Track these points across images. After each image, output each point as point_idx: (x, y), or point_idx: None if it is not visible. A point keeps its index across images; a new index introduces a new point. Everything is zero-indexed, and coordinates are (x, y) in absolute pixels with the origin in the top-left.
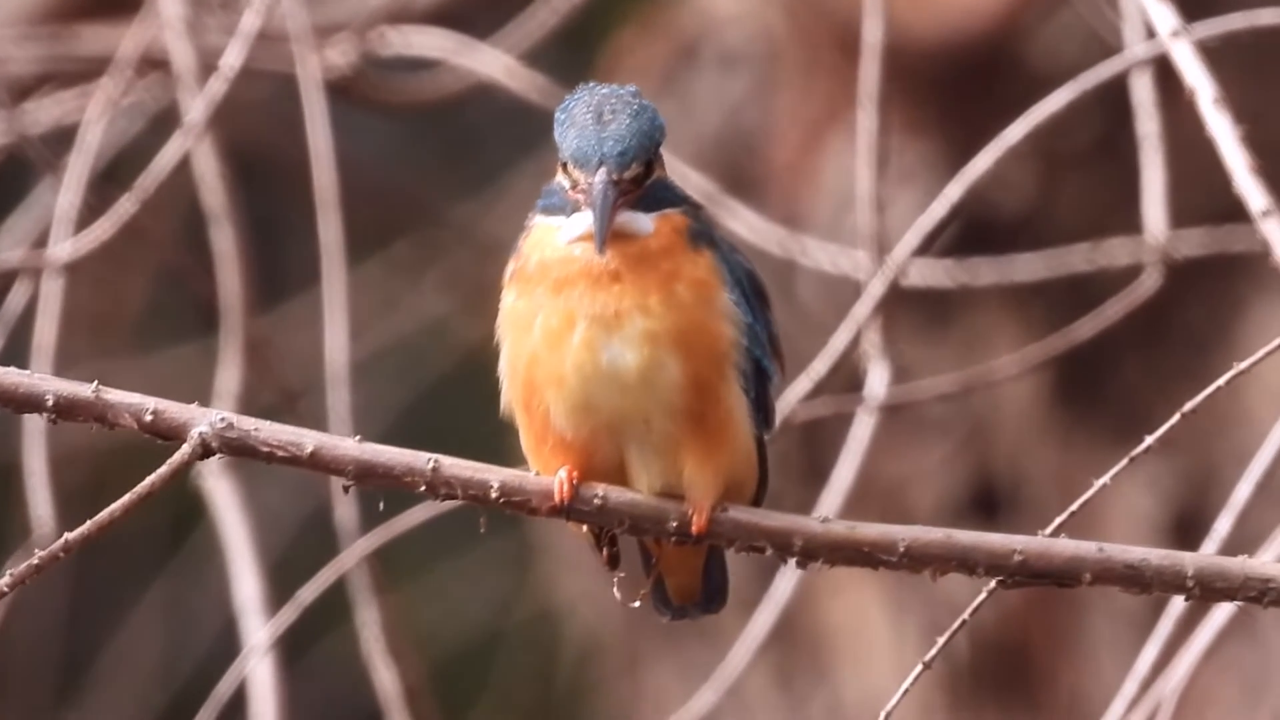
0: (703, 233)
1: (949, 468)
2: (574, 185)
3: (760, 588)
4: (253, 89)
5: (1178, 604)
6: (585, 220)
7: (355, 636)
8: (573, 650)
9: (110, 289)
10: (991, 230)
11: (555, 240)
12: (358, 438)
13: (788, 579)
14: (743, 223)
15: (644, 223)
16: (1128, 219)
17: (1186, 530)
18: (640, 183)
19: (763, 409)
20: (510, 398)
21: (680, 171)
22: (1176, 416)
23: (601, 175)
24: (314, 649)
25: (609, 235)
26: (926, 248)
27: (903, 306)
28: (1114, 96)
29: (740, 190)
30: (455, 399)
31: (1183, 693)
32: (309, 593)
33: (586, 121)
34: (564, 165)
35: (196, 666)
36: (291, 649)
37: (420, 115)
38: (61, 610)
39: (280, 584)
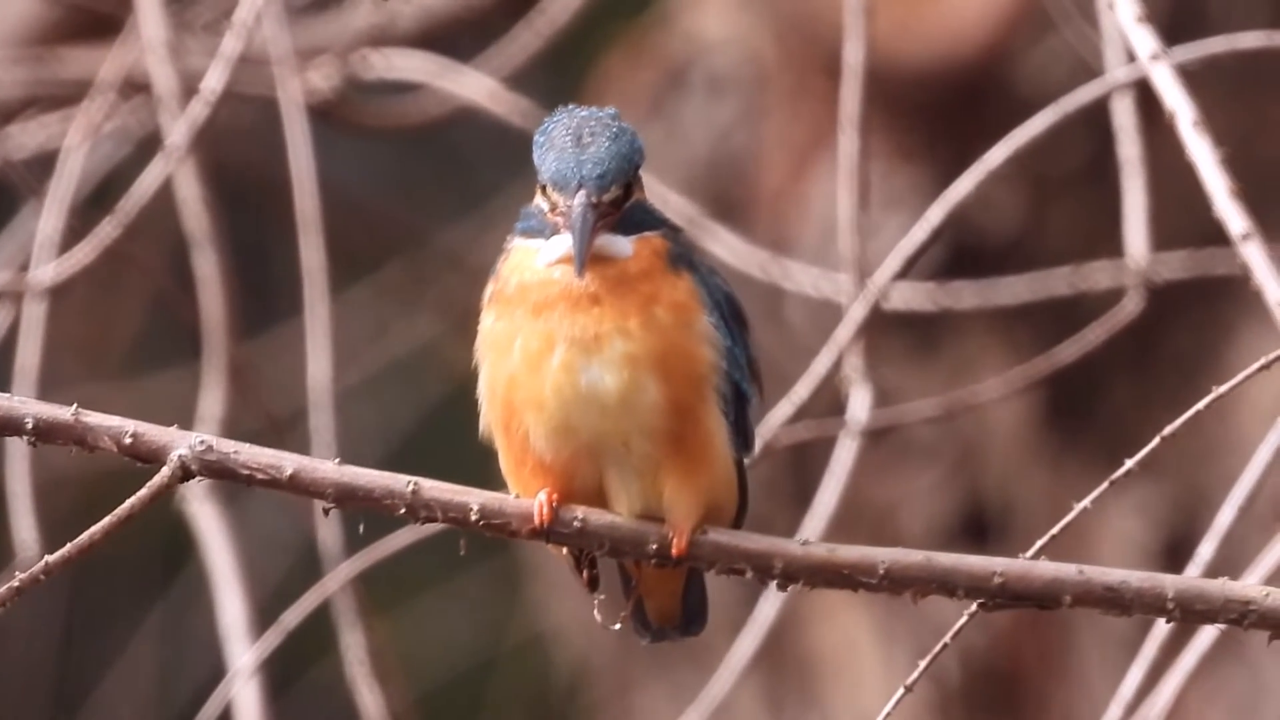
0: (682, 255)
1: (938, 493)
2: (553, 208)
3: (750, 611)
4: (237, 113)
5: (1163, 627)
6: (564, 243)
7: (343, 662)
8: (563, 674)
9: (97, 314)
10: (980, 255)
11: (534, 263)
12: (337, 460)
13: (772, 602)
14: (725, 246)
15: (623, 245)
16: (1116, 243)
17: (1176, 555)
18: (619, 205)
19: (742, 432)
20: (489, 419)
21: (667, 196)
22: (1155, 441)
23: (580, 198)
24: (302, 675)
25: (588, 258)
26: (907, 271)
27: (890, 331)
28: (1101, 121)
29: (728, 215)
30: (446, 424)
31: (1170, 716)
32: (293, 617)
33: (565, 144)
34: (543, 188)
35: (190, 694)
36: (279, 675)
37: (405, 138)
38: (56, 637)
39: (271, 609)
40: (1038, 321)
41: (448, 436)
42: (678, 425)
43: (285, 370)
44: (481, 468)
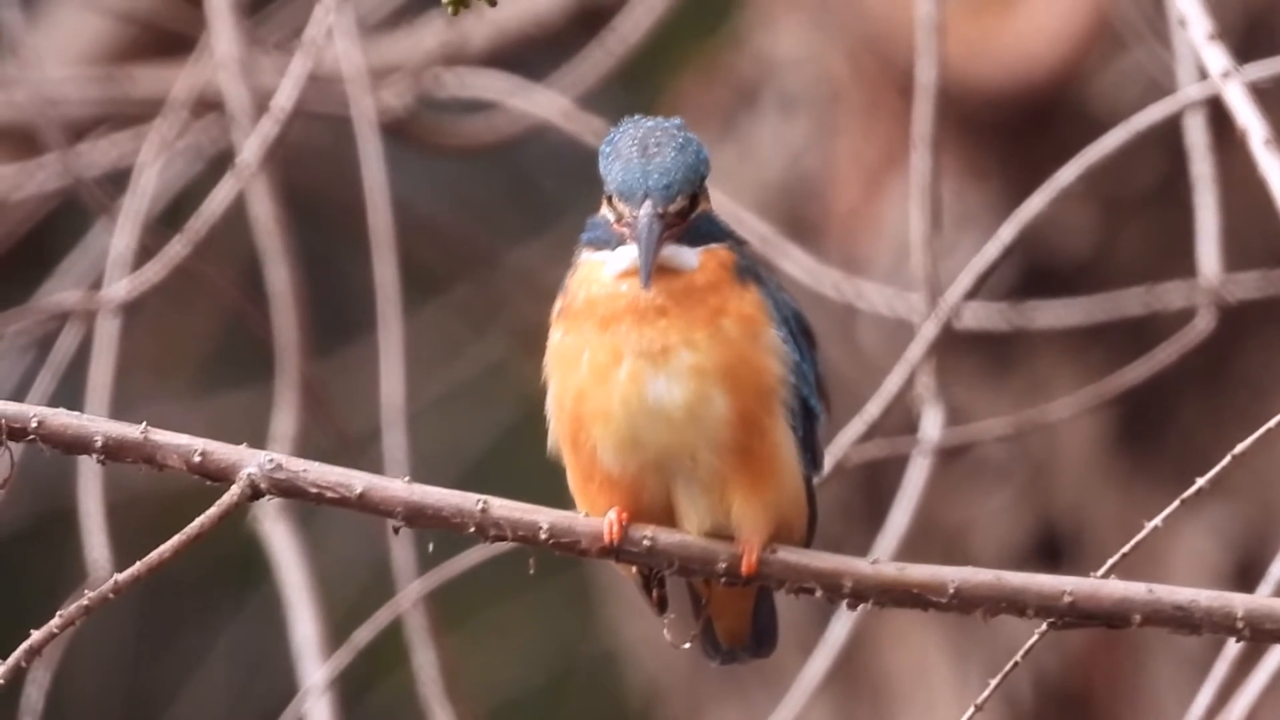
0: (749, 268)
1: (1011, 514)
2: (619, 219)
3: (821, 631)
4: (310, 131)
5: (1233, 646)
6: (630, 254)
7: (414, 680)
8: (635, 695)
9: (170, 331)
10: (1052, 275)
11: (602, 276)
12: (406, 479)
13: (843, 622)
14: (798, 265)
15: (689, 257)
16: (1188, 263)
17: (1248, 575)
18: (685, 216)
19: (810, 449)
20: (558, 435)
21: (740, 216)
22: (1227, 459)
23: (647, 209)
24: (374, 693)
25: (654, 269)
26: (979, 289)
27: (962, 351)
28: (1173, 140)
29: (800, 235)
30: (515, 445)
31: None
32: (364, 635)
33: (631, 155)
34: (608, 198)
35: (263, 713)
36: (351, 693)
37: (477, 157)
38: (129, 656)
39: (344, 628)
40: (1110, 341)
41: (517, 458)
42: (744, 438)
43: (356, 389)
44: (551, 489)
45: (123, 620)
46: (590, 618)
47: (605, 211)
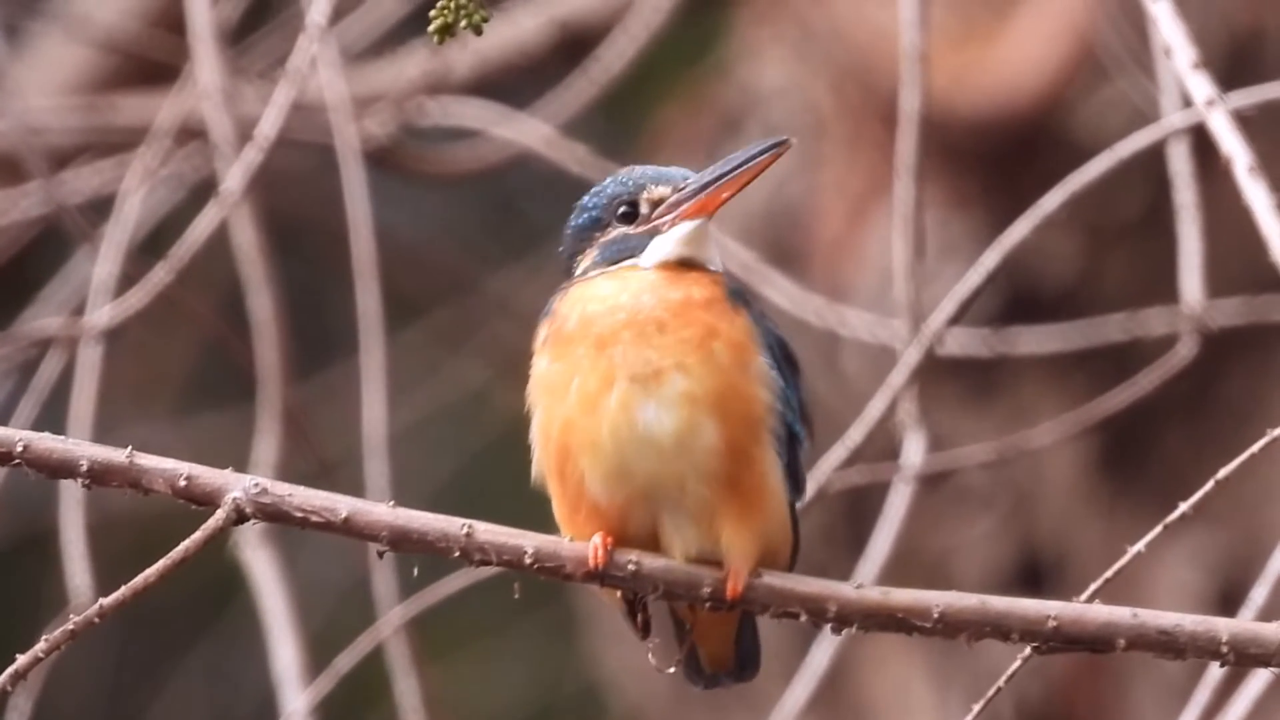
0: (738, 292)
1: (993, 540)
2: (655, 205)
3: (804, 656)
4: (293, 159)
5: (1216, 671)
6: (668, 241)
7: (396, 708)
8: None
9: (151, 357)
10: (1036, 303)
11: (602, 290)
12: (391, 503)
13: (826, 647)
14: (781, 292)
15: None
16: (1172, 291)
17: (1230, 602)
18: None
19: (793, 475)
20: (543, 466)
21: (725, 244)
22: (1209, 484)
23: (693, 177)
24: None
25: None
26: (962, 316)
27: (945, 377)
28: (1156, 169)
29: (784, 264)
30: (495, 469)
31: None
32: (346, 661)
33: (632, 169)
34: (625, 213)
35: None
36: (332, 718)
37: (459, 184)
38: (106, 678)
39: (324, 655)
40: (1093, 368)
41: (493, 481)
42: (733, 468)
43: (335, 412)
44: (527, 512)
45: (101, 644)
46: (573, 648)
47: (617, 231)
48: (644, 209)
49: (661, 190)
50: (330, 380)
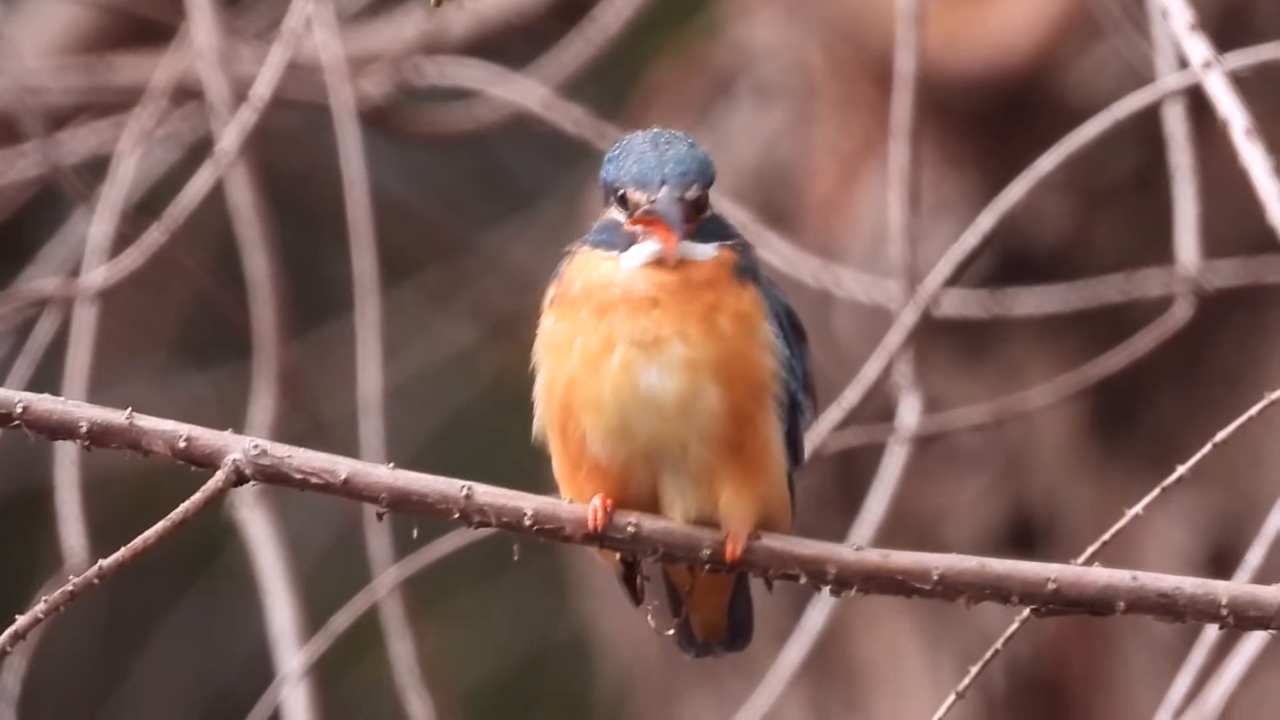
0: (748, 268)
1: (985, 501)
2: (634, 210)
3: (796, 621)
4: (289, 120)
5: (1211, 633)
6: (645, 249)
7: (390, 666)
8: (609, 684)
9: (147, 317)
10: (1030, 264)
11: (601, 266)
12: (391, 465)
13: (819, 611)
14: (776, 253)
15: (705, 249)
16: (1167, 253)
17: (1223, 564)
18: (699, 210)
19: (794, 444)
20: (545, 422)
21: (716, 204)
22: (1208, 447)
23: (665, 192)
24: (349, 678)
25: (679, 245)
26: (958, 277)
27: (939, 339)
28: (1150, 130)
29: (777, 224)
30: (483, 427)
31: None
32: (341, 621)
33: (645, 150)
34: (620, 198)
35: (228, 694)
36: (327, 678)
37: (456, 146)
38: (94, 636)
39: (318, 614)
40: (1088, 330)
41: (481, 439)
42: (736, 432)
43: (328, 371)
44: (515, 470)
45: (94, 605)
46: (565, 605)
47: (614, 214)
48: (624, 212)
49: (637, 196)
50: (322, 337)
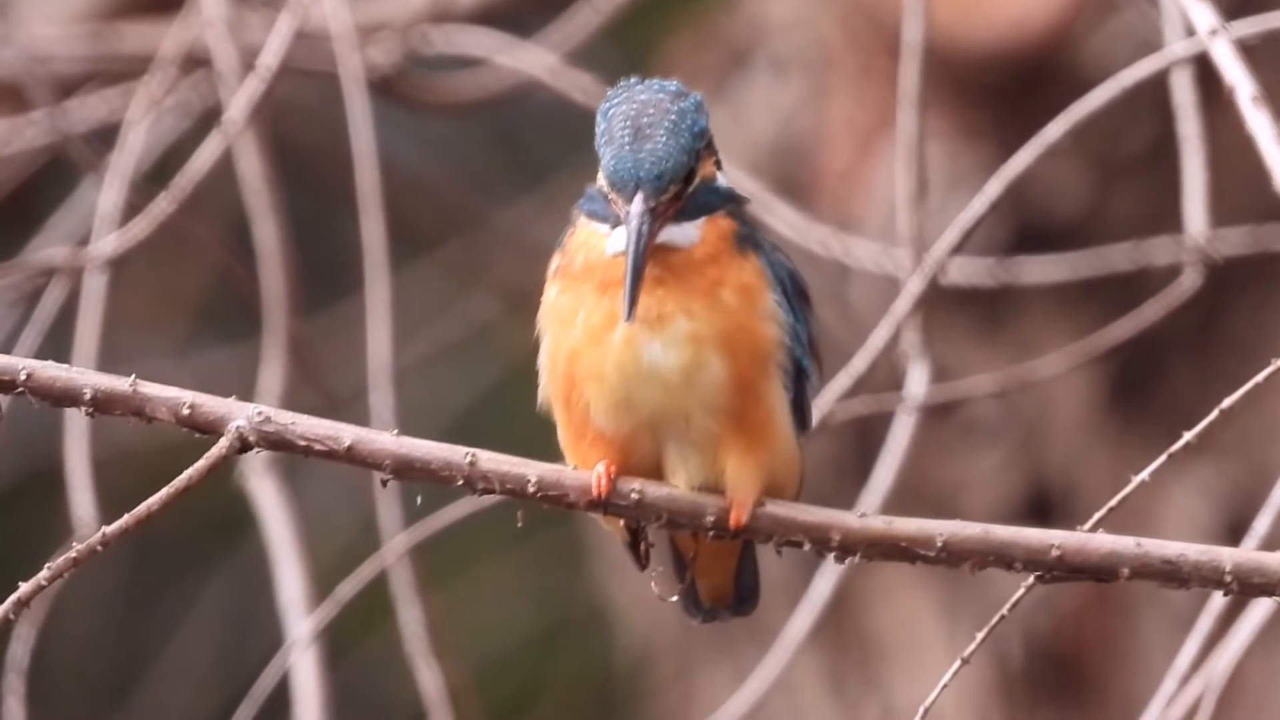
0: (749, 236)
1: (1002, 472)
2: (612, 203)
3: (808, 588)
4: (298, 88)
5: (1218, 601)
6: (623, 238)
7: (399, 635)
8: (625, 654)
9: (156, 288)
10: (1044, 236)
11: (601, 245)
12: (395, 432)
13: (828, 577)
14: (786, 223)
15: (688, 233)
16: (1179, 224)
17: (1237, 534)
18: (681, 195)
19: (800, 409)
20: (549, 391)
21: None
22: (1215, 413)
23: (638, 205)
24: (359, 648)
25: (638, 293)
26: (965, 244)
27: (953, 309)
28: (1164, 101)
29: (792, 196)
30: (499, 403)
31: (1231, 689)
32: (349, 588)
33: (624, 139)
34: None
35: (250, 668)
36: (337, 647)
37: (464, 115)
38: (114, 611)
39: (329, 583)
40: (1103, 304)
41: (501, 415)
42: (740, 402)
43: (342, 345)
44: (535, 446)
45: (107, 576)
46: (579, 575)
47: (602, 184)
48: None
49: (612, 195)
50: (336, 311)
